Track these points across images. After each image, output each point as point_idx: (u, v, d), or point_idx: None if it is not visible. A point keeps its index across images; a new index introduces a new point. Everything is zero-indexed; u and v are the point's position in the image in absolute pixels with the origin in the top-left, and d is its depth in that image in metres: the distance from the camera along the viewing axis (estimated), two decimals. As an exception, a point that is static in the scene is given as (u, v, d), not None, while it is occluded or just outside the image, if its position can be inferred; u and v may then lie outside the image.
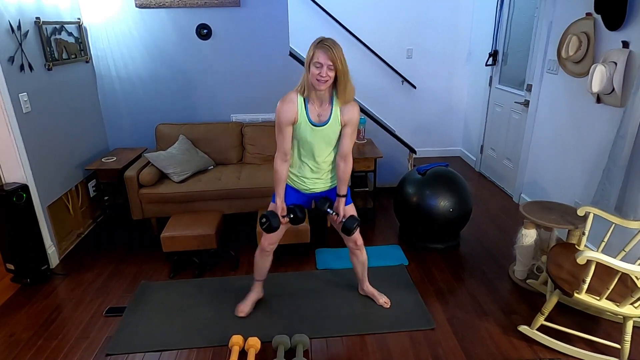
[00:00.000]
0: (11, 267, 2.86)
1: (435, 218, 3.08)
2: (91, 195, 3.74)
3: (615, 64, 2.65)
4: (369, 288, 2.67)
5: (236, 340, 2.27)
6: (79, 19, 3.63)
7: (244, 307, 2.56)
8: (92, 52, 3.80)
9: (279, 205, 2.28)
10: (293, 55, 3.96)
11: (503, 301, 2.68)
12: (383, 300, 2.62)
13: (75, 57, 3.56)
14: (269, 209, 2.34)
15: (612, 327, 2.44)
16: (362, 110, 4.17)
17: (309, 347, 2.31)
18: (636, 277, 2.17)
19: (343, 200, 2.30)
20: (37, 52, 3.07)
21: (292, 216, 2.30)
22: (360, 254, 2.53)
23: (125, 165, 3.56)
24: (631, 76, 2.61)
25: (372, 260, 3.10)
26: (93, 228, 3.73)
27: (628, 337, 2.07)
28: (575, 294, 2.05)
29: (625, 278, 2.17)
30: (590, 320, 2.49)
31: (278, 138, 2.16)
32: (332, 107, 2.11)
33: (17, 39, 2.85)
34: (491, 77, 4.59)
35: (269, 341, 2.33)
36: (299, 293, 2.75)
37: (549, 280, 2.41)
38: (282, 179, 2.25)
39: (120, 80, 3.90)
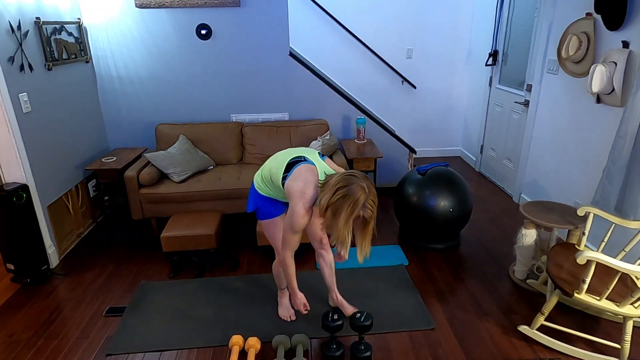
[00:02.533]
0: (11, 267, 2.86)
1: (435, 218, 3.08)
2: (91, 195, 3.74)
3: (615, 64, 2.65)
4: (338, 297, 2.53)
5: (236, 340, 2.27)
6: (79, 19, 3.63)
7: (288, 312, 2.53)
8: (92, 52, 3.80)
9: (300, 299, 2.25)
10: (293, 55, 3.96)
11: (503, 301, 2.68)
12: (352, 309, 2.48)
13: (75, 57, 3.56)
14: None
15: (612, 327, 2.44)
16: (362, 110, 4.18)
17: (309, 347, 2.31)
18: (636, 277, 2.17)
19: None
20: (37, 52, 3.07)
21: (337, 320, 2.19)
22: (326, 254, 2.42)
23: (125, 165, 3.56)
24: (631, 76, 2.61)
25: (373, 260, 3.11)
26: (93, 228, 3.73)
27: (628, 337, 2.07)
28: (575, 294, 2.05)
29: (625, 278, 2.17)
30: (590, 320, 2.49)
31: (292, 238, 2.03)
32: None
33: (17, 39, 2.85)
34: (491, 77, 4.59)
35: (269, 341, 2.33)
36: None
37: (549, 280, 2.40)
38: (294, 273, 2.19)
39: (120, 80, 3.90)
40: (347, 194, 1.76)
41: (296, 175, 1.96)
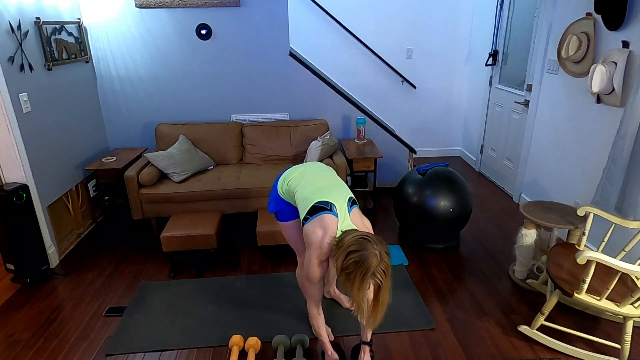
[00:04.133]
0: (11, 267, 2.86)
1: (435, 218, 3.08)
2: (91, 195, 3.74)
3: (615, 64, 2.65)
4: (336, 291, 2.67)
5: (236, 340, 2.27)
6: (79, 19, 3.63)
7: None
8: (92, 52, 3.80)
9: (330, 352, 2.18)
10: (293, 55, 3.96)
11: (503, 301, 2.68)
12: (350, 303, 2.57)
13: (75, 57, 3.56)
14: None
15: (612, 327, 2.44)
16: (362, 110, 4.18)
17: (309, 347, 2.31)
18: (636, 277, 2.17)
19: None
20: (37, 52, 3.07)
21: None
22: None
23: (125, 165, 3.56)
24: (631, 76, 2.61)
25: (372, 260, 3.11)
26: (93, 228, 3.73)
27: (628, 337, 2.07)
28: (575, 294, 2.05)
29: (625, 278, 2.17)
30: (590, 320, 2.49)
31: (312, 289, 2.08)
32: None
33: (17, 39, 2.85)
34: (491, 77, 4.59)
35: (269, 341, 2.33)
36: (299, 293, 2.74)
37: (549, 280, 2.41)
38: (323, 324, 2.22)
39: (120, 80, 3.90)
40: (360, 260, 1.68)
41: (317, 224, 1.90)
